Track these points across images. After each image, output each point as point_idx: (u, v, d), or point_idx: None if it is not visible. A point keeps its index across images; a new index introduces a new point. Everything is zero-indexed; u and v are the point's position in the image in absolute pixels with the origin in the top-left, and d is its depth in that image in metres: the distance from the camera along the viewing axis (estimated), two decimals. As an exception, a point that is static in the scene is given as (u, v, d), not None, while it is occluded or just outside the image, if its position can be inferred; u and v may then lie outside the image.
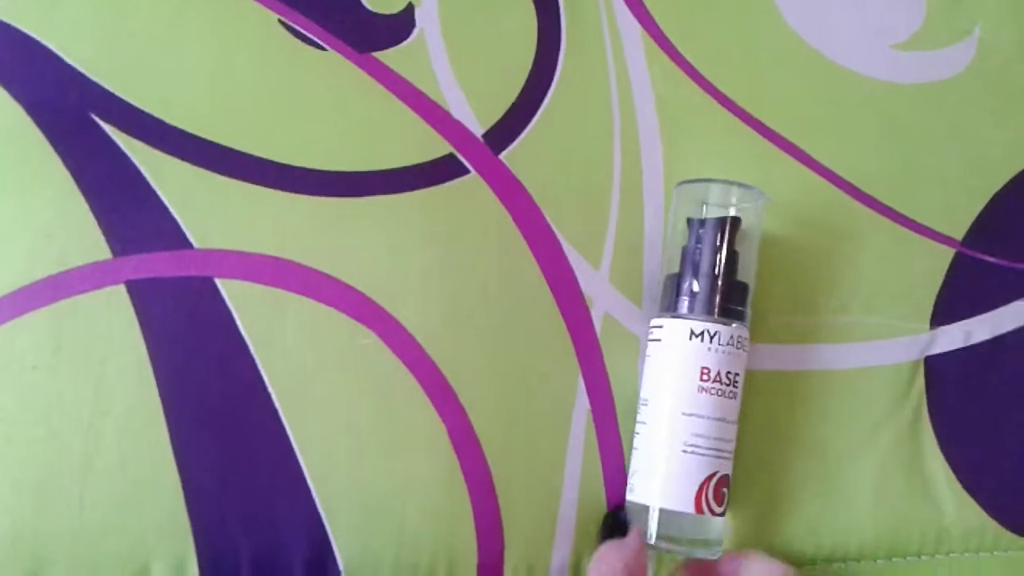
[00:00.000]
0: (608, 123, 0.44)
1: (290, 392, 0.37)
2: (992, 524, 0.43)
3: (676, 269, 0.40)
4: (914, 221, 0.44)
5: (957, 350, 0.44)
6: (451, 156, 0.41)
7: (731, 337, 0.38)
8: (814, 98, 0.45)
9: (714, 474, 0.37)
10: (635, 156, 0.43)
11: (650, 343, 0.40)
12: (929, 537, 0.42)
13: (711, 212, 0.41)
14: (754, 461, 0.41)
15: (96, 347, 0.36)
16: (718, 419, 0.37)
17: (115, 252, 0.37)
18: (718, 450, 0.37)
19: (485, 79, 0.43)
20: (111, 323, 0.37)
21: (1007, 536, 0.43)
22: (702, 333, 0.38)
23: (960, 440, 0.43)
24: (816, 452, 0.42)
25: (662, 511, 0.37)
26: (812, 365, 0.42)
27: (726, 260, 0.39)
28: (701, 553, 0.37)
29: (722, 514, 0.38)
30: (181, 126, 0.39)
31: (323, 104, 0.41)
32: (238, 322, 0.37)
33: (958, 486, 0.43)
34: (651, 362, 0.39)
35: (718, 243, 0.39)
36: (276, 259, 0.38)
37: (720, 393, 0.37)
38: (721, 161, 0.44)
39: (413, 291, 0.39)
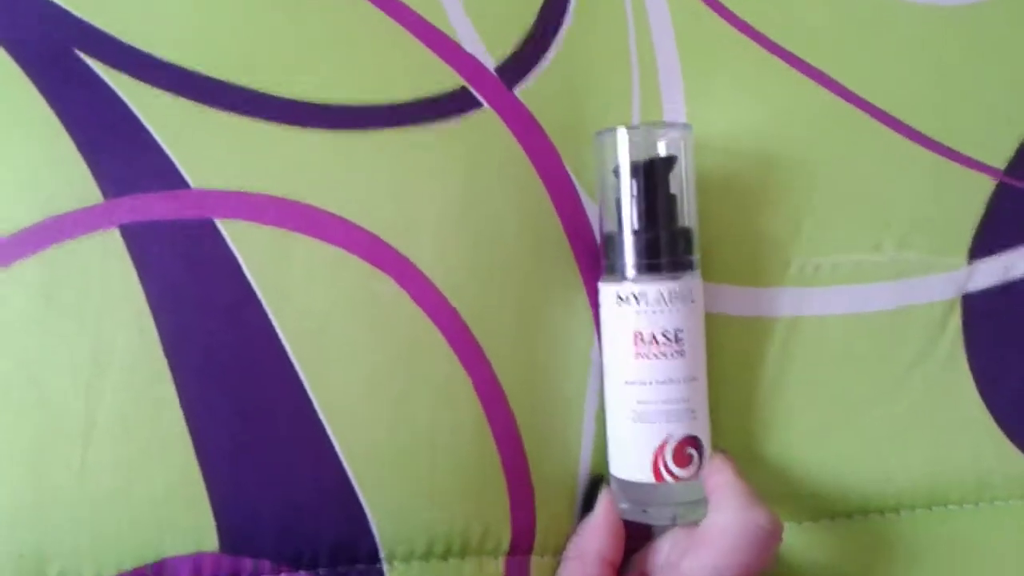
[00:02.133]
0: (625, 60, 0.41)
1: (305, 340, 0.35)
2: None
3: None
4: (953, 150, 0.42)
5: (996, 286, 0.42)
6: (463, 89, 0.39)
7: (661, 294, 0.35)
8: (846, 23, 0.43)
9: (668, 438, 0.35)
10: (655, 95, 0.41)
11: (600, 310, 0.38)
12: (969, 484, 0.40)
13: (637, 156, 0.37)
14: (771, 411, 0.39)
15: (91, 298, 0.33)
16: (663, 382, 0.35)
17: (106, 195, 0.34)
18: (671, 413, 0.35)
19: (495, 8, 0.40)
20: (106, 271, 0.34)
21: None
22: (627, 297, 0.36)
23: (998, 381, 0.41)
24: (842, 398, 0.40)
25: (624, 482, 0.36)
26: (837, 308, 0.40)
27: (654, 207, 0.36)
28: (681, 520, 0.36)
29: (692, 476, 0.36)
30: (172, 59, 0.36)
31: (325, 34, 0.38)
32: (243, 266, 0.35)
33: (998, 431, 0.41)
34: (602, 331, 0.38)
35: (641, 191, 0.36)
36: (280, 198, 0.36)
37: (660, 355, 0.35)
38: (747, 96, 0.41)
39: (429, 233, 0.37)
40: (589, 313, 0.39)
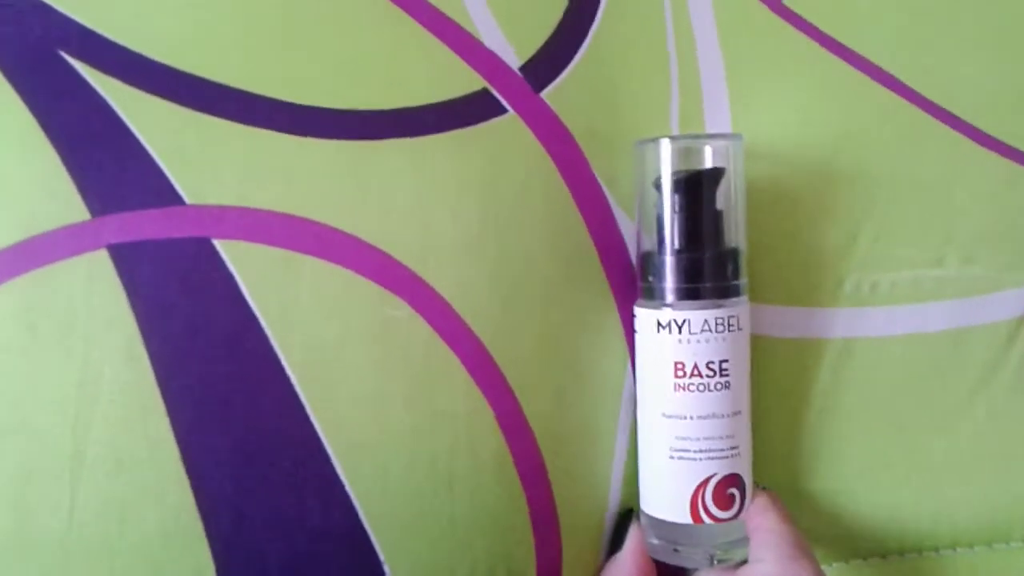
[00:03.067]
0: (663, 58, 0.38)
1: (311, 372, 0.32)
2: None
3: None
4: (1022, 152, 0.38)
5: (1067, 305, 0.38)
6: (485, 92, 0.35)
7: (706, 322, 0.32)
8: (909, 15, 0.39)
9: (710, 478, 0.32)
10: (696, 97, 0.37)
11: (635, 336, 0.35)
12: (1034, 520, 0.37)
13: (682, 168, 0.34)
14: (822, 441, 0.37)
15: (77, 324, 0.31)
16: (706, 417, 0.32)
17: (94, 212, 0.31)
18: (713, 450, 0.32)
19: (520, 4, 0.37)
20: (93, 295, 0.31)
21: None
22: (668, 324, 0.32)
23: (1070, 410, 0.38)
24: (897, 427, 0.37)
25: (657, 520, 0.34)
26: (894, 330, 0.37)
27: (699, 225, 0.33)
28: (724, 559, 0.34)
29: (732, 517, 0.33)
30: (166, 61, 0.33)
31: (334, 33, 0.35)
32: (243, 290, 0.32)
33: (1067, 462, 0.38)
34: (636, 358, 0.35)
35: (685, 206, 0.33)
36: (284, 215, 0.32)
37: (703, 388, 0.32)
38: (797, 98, 0.38)
39: (448, 253, 0.34)
40: (622, 338, 0.36)
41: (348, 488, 0.32)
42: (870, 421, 0.37)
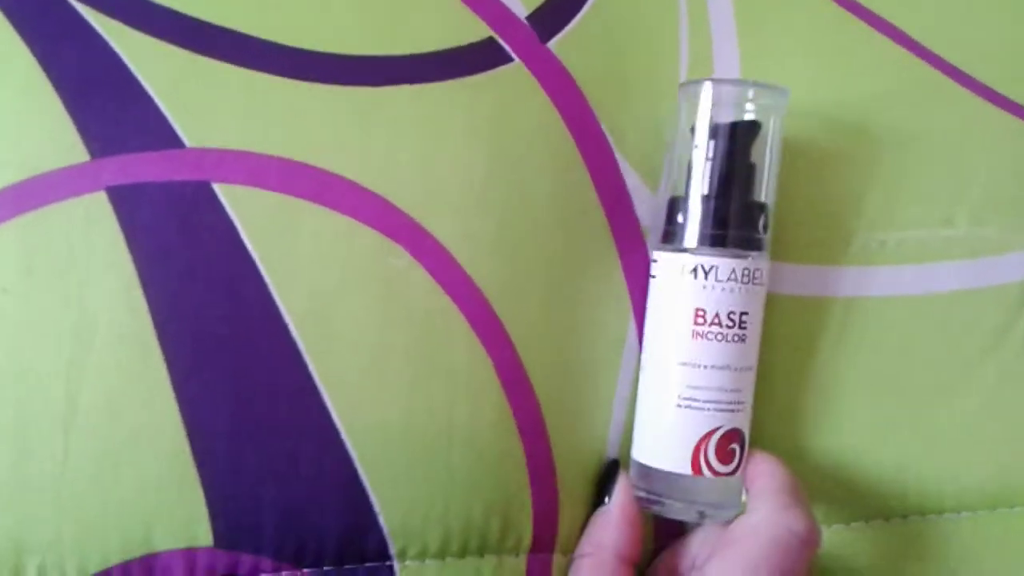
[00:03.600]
0: (674, 11, 0.37)
1: (309, 319, 0.32)
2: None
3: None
4: (1037, 113, 0.38)
5: (1078, 267, 0.38)
6: (491, 41, 0.35)
7: (733, 271, 0.32)
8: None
9: (715, 430, 0.32)
10: (706, 52, 0.37)
11: (651, 280, 0.34)
12: (1042, 485, 0.37)
13: (721, 117, 0.34)
14: (827, 399, 0.36)
15: (74, 267, 0.30)
16: (720, 368, 0.32)
17: (93, 153, 0.31)
18: (722, 402, 0.32)
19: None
20: (91, 238, 0.31)
21: None
22: (696, 269, 0.32)
23: (1079, 373, 0.38)
24: (904, 388, 0.37)
25: (656, 471, 0.33)
26: (899, 289, 0.37)
27: (732, 177, 0.33)
28: (711, 518, 0.33)
29: (731, 473, 0.33)
30: (168, 3, 0.33)
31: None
32: (243, 235, 0.31)
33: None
34: (649, 303, 0.34)
35: (722, 156, 0.33)
36: (285, 160, 0.32)
37: (721, 337, 0.32)
38: (805, 53, 0.37)
39: (452, 202, 0.33)
40: (625, 291, 0.35)
41: (344, 436, 0.32)
42: (877, 381, 0.37)
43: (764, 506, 0.32)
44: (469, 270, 0.33)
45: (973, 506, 0.37)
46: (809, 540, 0.31)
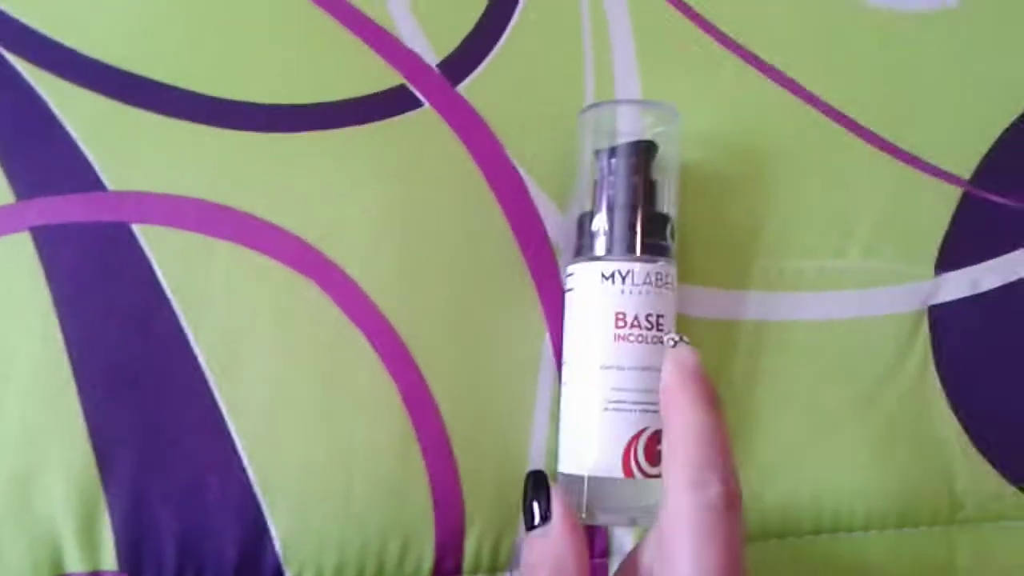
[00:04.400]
0: (579, 54, 0.39)
1: (219, 352, 0.33)
2: (1010, 490, 0.39)
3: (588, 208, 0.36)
4: (918, 158, 0.40)
5: (964, 299, 0.40)
6: (402, 87, 0.37)
7: (648, 275, 0.33)
8: (808, 25, 0.41)
9: (643, 431, 0.33)
10: (609, 88, 0.39)
11: (567, 294, 0.36)
12: (942, 504, 0.38)
13: (620, 140, 0.36)
14: (741, 423, 0.37)
15: (-5, 304, 0.32)
16: (643, 368, 0.33)
17: (19, 195, 0.33)
18: (646, 403, 0.33)
19: (441, 3, 0.38)
20: (13, 275, 0.32)
21: (1027, 502, 0.39)
22: (612, 274, 0.33)
23: (971, 398, 0.39)
24: (811, 412, 0.38)
25: (586, 479, 0.33)
26: (802, 314, 0.38)
27: (637, 190, 0.35)
28: (642, 521, 0.33)
29: (659, 475, 0.32)
30: (94, 54, 0.35)
31: (256, 30, 0.36)
32: (158, 273, 0.33)
33: (971, 448, 0.39)
34: (568, 315, 0.35)
35: (626, 172, 0.35)
36: (202, 201, 0.34)
37: (641, 339, 0.33)
38: (707, 95, 0.39)
39: (359, 237, 0.35)
40: (539, 311, 0.37)
41: (247, 464, 0.33)
42: (787, 402, 0.38)
43: (672, 491, 0.29)
44: (375, 298, 0.34)
45: (881, 525, 0.38)
46: (731, 504, 0.28)
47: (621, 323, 0.33)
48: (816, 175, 0.39)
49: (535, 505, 0.32)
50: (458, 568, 0.35)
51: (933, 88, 0.41)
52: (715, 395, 0.30)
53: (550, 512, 0.31)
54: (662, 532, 0.29)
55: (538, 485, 0.32)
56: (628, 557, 0.32)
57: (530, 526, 0.32)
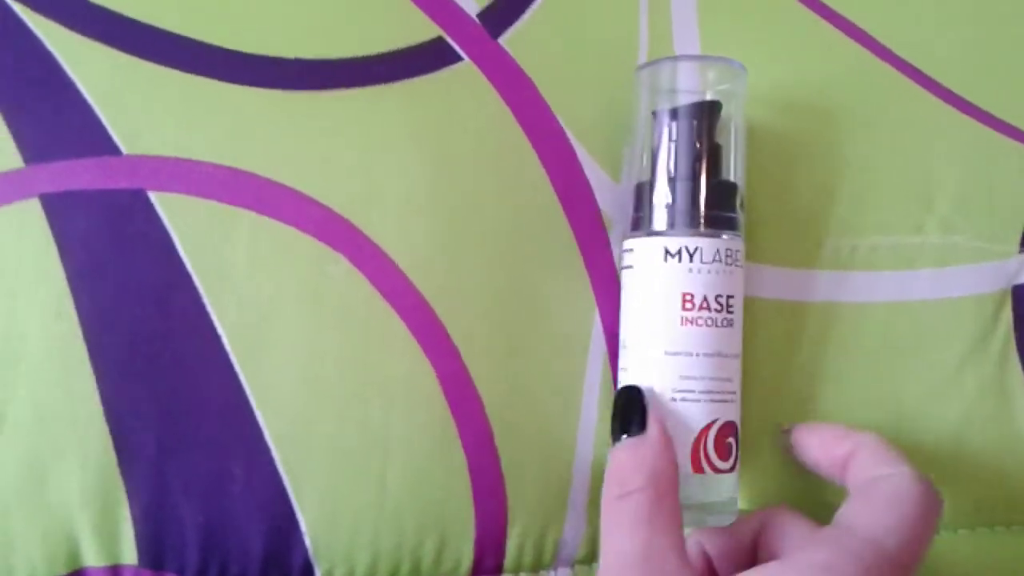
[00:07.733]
0: (633, 2, 0.36)
1: (243, 331, 0.31)
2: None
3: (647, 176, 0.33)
4: (1004, 122, 0.37)
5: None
6: (439, 40, 0.34)
7: (717, 252, 0.31)
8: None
9: (713, 422, 0.31)
10: (667, 40, 0.36)
11: (623, 272, 0.33)
12: (1019, 503, 0.36)
13: (681, 99, 0.33)
14: (806, 414, 0.35)
15: (4, 276, 0.30)
16: (712, 354, 0.31)
17: (27, 160, 0.31)
18: (716, 392, 0.31)
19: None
20: (23, 246, 0.30)
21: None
22: (679, 251, 0.31)
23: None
24: (883, 402, 0.35)
25: None
26: (876, 296, 0.35)
27: (702, 157, 0.32)
28: (711, 520, 0.31)
29: (730, 469, 0.31)
30: (107, 4, 0.32)
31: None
32: (177, 245, 0.31)
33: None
34: (625, 295, 0.32)
35: (689, 136, 0.32)
36: (224, 167, 0.31)
37: (711, 323, 0.31)
38: (772, 53, 0.36)
39: (393, 206, 0.32)
40: (589, 286, 0.34)
41: (274, 452, 0.31)
42: (857, 388, 0.35)
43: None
44: (411, 276, 0.32)
45: (954, 525, 0.35)
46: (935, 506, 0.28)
47: (689, 305, 0.31)
48: (892, 141, 0.36)
49: (630, 414, 0.30)
50: (499, 567, 0.33)
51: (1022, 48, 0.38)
52: None
53: (645, 423, 0.30)
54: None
55: (632, 397, 0.31)
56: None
57: (620, 437, 0.30)
